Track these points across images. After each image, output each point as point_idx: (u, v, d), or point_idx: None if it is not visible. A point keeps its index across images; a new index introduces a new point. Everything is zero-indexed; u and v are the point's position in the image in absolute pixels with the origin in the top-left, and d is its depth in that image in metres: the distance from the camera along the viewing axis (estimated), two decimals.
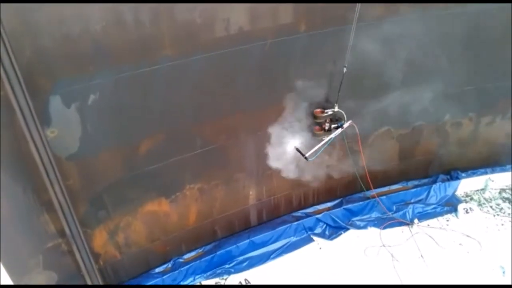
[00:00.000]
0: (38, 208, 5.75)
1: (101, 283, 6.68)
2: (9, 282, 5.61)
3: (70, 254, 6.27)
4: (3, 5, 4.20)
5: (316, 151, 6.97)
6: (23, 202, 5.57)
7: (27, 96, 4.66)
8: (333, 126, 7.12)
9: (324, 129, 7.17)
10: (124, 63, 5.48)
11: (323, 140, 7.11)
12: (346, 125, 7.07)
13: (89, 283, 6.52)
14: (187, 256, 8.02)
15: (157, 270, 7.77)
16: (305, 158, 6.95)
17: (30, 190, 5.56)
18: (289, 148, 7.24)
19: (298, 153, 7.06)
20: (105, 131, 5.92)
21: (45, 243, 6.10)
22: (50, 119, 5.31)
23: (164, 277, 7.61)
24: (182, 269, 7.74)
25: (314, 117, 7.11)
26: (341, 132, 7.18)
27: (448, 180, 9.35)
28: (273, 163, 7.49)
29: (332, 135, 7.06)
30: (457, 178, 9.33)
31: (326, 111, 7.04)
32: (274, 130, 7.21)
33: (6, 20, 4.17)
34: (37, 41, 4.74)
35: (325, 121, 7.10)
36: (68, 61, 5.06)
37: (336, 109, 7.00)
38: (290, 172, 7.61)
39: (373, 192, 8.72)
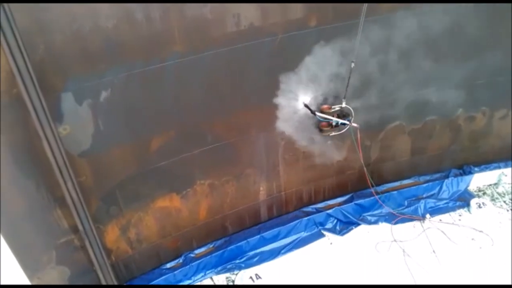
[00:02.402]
0: (51, 204, 5.80)
1: (113, 278, 6.74)
2: (23, 277, 5.68)
3: (82, 250, 6.33)
4: (15, 4, 4.22)
5: (324, 117, 6.96)
6: (37, 198, 5.62)
7: (40, 94, 4.69)
8: (340, 122, 7.09)
9: (331, 125, 7.15)
10: (135, 60, 5.49)
11: (331, 135, 7.20)
12: (354, 125, 7.05)
13: (101, 278, 6.58)
14: (198, 251, 8.05)
15: (168, 265, 7.82)
16: (313, 113, 6.89)
17: (43, 187, 5.60)
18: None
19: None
20: (116, 128, 5.95)
21: (58, 238, 6.16)
22: (63, 116, 5.34)
23: (175, 272, 7.65)
24: (193, 264, 7.77)
25: (321, 112, 7.07)
26: (350, 128, 7.15)
27: (460, 174, 9.26)
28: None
29: (341, 120, 7.03)
30: (470, 173, 9.24)
31: (333, 107, 7.01)
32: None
33: (18, 18, 4.18)
34: (49, 40, 4.76)
35: (332, 116, 7.06)
36: (80, 59, 5.08)
37: (343, 105, 6.95)
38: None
39: (372, 190, 8.64)
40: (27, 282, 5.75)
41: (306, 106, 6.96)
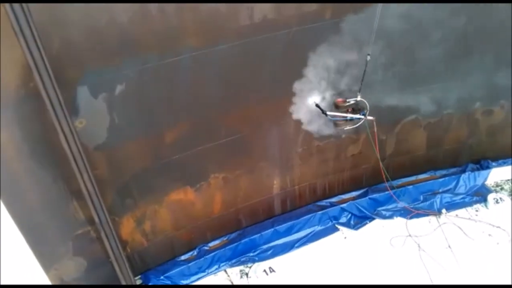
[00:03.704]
0: (68, 196, 5.88)
1: (128, 269, 6.82)
2: (39, 269, 5.79)
3: (98, 241, 6.40)
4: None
5: (336, 116, 6.89)
6: (54, 190, 5.70)
7: (56, 87, 4.72)
8: (354, 117, 7.02)
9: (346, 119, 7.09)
10: (149, 54, 5.50)
11: (345, 129, 7.12)
12: (369, 118, 6.97)
13: (117, 269, 6.67)
14: (212, 244, 8.11)
15: (182, 257, 7.90)
16: (324, 113, 6.85)
17: (60, 179, 5.68)
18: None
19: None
20: (131, 121, 5.99)
21: (74, 230, 6.25)
22: (79, 109, 5.39)
23: (190, 264, 7.72)
24: (207, 256, 7.83)
25: (336, 106, 7.01)
26: (365, 122, 7.08)
27: (477, 169, 9.13)
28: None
29: (355, 116, 6.95)
30: (487, 168, 9.10)
31: (348, 100, 6.94)
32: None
33: (34, 13, 4.23)
34: (65, 33, 4.80)
35: (347, 110, 6.99)
36: (95, 53, 5.12)
37: (358, 98, 6.88)
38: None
39: (386, 185, 8.56)
40: (42, 273, 5.85)
41: (317, 106, 6.93)
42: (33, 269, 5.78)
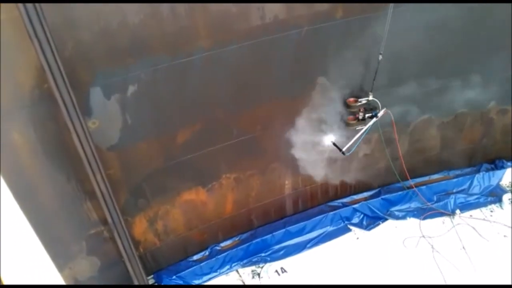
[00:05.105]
0: (82, 196, 5.96)
1: (141, 269, 6.88)
2: (53, 268, 5.86)
3: (111, 241, 6.48)
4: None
5: (352, 145, 6.86)
6: (68, 191, 5.77)
7: (69, 89, 4.79)
8: (367, 115, 6.97)
9: (357, 119, 7.05)
10: (161, 55, 5.53)
11: (357, 129, 7.05)
12: (380, 114, 6.90)
13: (129, 269, 6.72)
14: (224, 244, 8.14)
15: (195, 257, 7.94)
16: (342, 152, 6.87)
17: (74, 180, 5.75)
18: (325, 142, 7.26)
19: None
20: (144, 122, 6.03)
21: (88, 230, 6.33)
22: (92, 110, 5.45)
23: (202, 264, 7.75)
24: (219, 256, 7.86)
25: (348, 106, 6.98)
26: (377, 121, 7.03)
27: (492, 169, 9.02)
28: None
29: (367, 126, 6.91)
30: (502, 168, 8.98)
31: (359, 100, 6.90)
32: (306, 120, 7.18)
33: (48, 15, 4.28)
34: (78, 35, 4.86)
35: (359, 110, 6.96)
36: (108, 54, 5.17)
37: (370, 98, 6.84)
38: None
39: (410, 182, 8.49)
40: (56, 272, 5.93)
41: (334, 144, 6.99)
42: (47, 268, 5.85)
